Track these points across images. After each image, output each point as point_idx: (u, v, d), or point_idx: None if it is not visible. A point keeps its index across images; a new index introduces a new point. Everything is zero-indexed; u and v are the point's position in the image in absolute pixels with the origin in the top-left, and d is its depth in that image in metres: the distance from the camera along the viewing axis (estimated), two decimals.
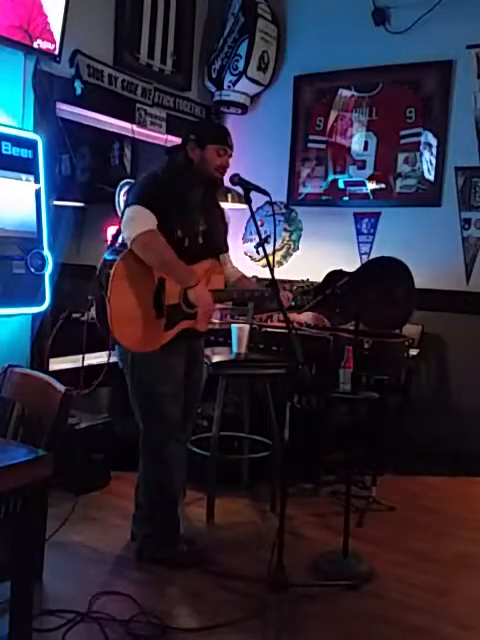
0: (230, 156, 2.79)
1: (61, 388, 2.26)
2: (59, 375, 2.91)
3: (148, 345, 2.66)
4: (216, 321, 4.10)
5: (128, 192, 2.76)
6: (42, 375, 2.54)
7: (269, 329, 3.76)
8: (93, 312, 2.77)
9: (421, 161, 4.37)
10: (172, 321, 2.69)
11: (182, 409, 2.80)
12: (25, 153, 3.37)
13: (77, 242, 5.20)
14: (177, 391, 2.77)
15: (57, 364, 3.76)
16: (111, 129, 4.32)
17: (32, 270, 3.37)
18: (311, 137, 4.75)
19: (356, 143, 4.59)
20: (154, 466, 2.80)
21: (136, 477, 2.91)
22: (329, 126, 4.68)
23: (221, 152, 2.74)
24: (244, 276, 3.07)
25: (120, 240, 2.74)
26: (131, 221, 2.58)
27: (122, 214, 2.69)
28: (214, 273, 2.84)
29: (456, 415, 4.18)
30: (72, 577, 2.64)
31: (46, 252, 3.45)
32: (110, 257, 2.64)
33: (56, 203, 3.73)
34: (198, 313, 2.71)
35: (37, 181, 3.43)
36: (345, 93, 4.61)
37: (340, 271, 3.43)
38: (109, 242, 2.92)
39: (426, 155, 4.36)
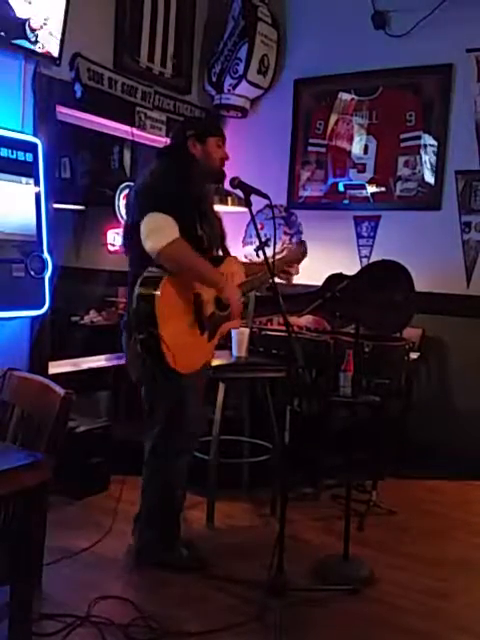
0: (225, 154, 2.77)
1: (61, 391, 2.26)
2: (59, 378, 2.91)
3: (201, 363, 2.67)
4: None
5: (138, 198, 2.61)
6: (41, 378, 2.54)
7: (269, 332, 3.75)
8: (131, 342, 2.62)
9: (421, 164, 4.37)
10: (213, 331, 2.69)
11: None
12: (25, 156, 3.38)
13: (77, 245, 5.20)
14: (200, 405, 2.76)
15: (57, 367, 3.75)
16: (111, 132, 4.31)
17: (32, 273, 3.37)
18: (311, 140, 4.76)
19: (356, 146, 4.59)
20: (164, 476, 2.75)
21: (142, 480, 2.86)
22: (329, 129, 4.69)
23: (220, 143, 2.73)
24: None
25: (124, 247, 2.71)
26: (153, 233, 2.47)
27: (128, 220, 2.63)
28: (238, 271, 2.83)
29: (457, 418, 4.17)
30: (71, 581, 2.63)
31: (46, 255, 3.45)
32: (142, 291, 2.48)
33: (56, 206, 3.73)
34: (231, 312, 2.69)
35: (37, 184, 3.43)
36: (345, 96, 4.62)
37: (340, 274, 3.43)
38: (121, 251, 2.84)
39: (426, 158, 4.36)
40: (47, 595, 2.49)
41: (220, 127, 2.79)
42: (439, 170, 4.30)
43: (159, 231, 2.46)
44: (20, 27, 3.25)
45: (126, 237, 2.73)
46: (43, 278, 3.43)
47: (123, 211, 4.14)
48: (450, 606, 2.59)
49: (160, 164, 2.74)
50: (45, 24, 3.36)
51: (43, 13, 3.33)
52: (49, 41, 3.41)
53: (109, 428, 3.61)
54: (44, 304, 3.44)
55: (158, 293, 2.44)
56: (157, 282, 2.46)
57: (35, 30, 3.32)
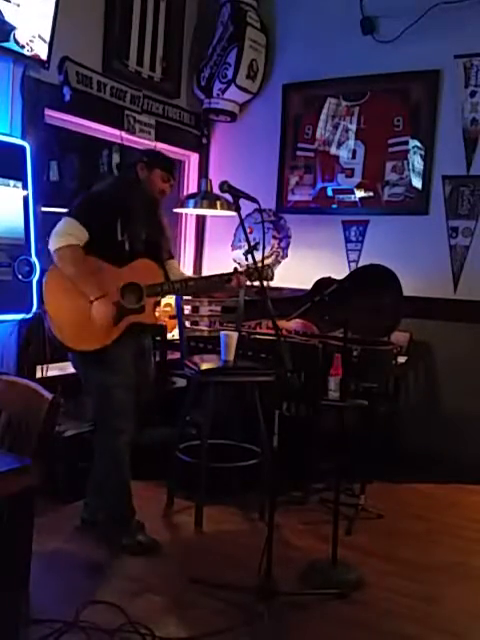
0: (172, 186, 3.11)
1: (48, 395, 2.25)
2: (46, 382, 2.91)
3: (91, 342, 2.84)
4: (205, 328, 4.10)
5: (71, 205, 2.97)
6: (29, 382, 2.53)
7: (258, 336, 3.75)
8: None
9: (409, 169, 4.40)
10: (117, 317, 2.86)
11: (134, 402, 2.95)
12: (13, 159, 3.36)
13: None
14: (129, 384, 2.93)
15: (44, 371, 3.73)
16: (100, 136, 4.31)
17: (19, 277, 3.36)
18: (300, 145, 4.77)
19: (344, 151, 4.61)
20: (109, 459, 2.93)
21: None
22: (318, 134, 4.71)
23: (165, 178, 3.03)
24: (190, 277, 3.33)
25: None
26: (56, 235, 2.81)
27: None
28: (149, 270, 2.97)
29: (444, 422, 4.19)
30: (59, 586, 2.61)
31: (34, 259, 3.44)
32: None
33: (44, 209, 3.72)
34: (93, 321, 2.84)
35: (25, 187, 3.42)
36: (333, 102, 4.63)
37: (329, 278, 3.44)
38: None
39: (414, 164, 4.39)
40: (34, 600, 2.47)
41: (170, 166, 3.08)
42: (426, 175, 4.33)
43: (61, 234, 2.81)
44: (8, 31, 3.23)
45: None
46: (31, 282, 3.42)
47: None
48: (439, 610, 2.60)
49: (108, 181, 3.14)
50: (34, 27, 3.35)
51: (32, 16, 3.32)
52: (38, 44, 3.40)
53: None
54: (32, 308, 3.43)
55: (48, 273, 2.87)
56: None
57: (24, 34, 3.30)
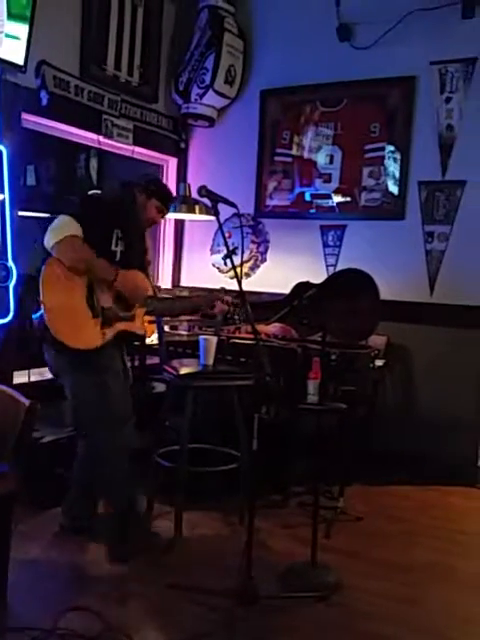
0: (163, 217, 3.19)
1: (25, 401, 2.23)
2: (24, 388, 2.88)
3: (88, 342, 2.82)
4: (184, 333, 4.10)
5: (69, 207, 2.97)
6: (6, 388, 2.51)
7: (237, 340, 3.76)
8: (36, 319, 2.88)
9: (385, 175, 4.44)
10: (108, 321, 2.87)
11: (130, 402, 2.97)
12: None
13: (42, 254, 5.14)
14: (122, 387, 2.93)
15: (22, 377, 3.70)
16: (77, 140, 4.29)
17: None
18: (278, 150, 4.80)
19: (322, 157, 4.65)
20: (110, 456, 2.89)
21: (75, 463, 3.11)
22: (295, 140, 4.73)
23: (160, 210, 3.09)
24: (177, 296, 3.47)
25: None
26: (53, 230, 2.77)
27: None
28: (140, 282, 3.01)
29: (422, 424, 4.23)
30: (37, 593, 2.59)
31: (10, 263, 3.41)
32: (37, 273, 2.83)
33: (21, 214, 3.69)
34: (130, 294, 2.88)
35: (1, 192, 3.40)
36: (311, 107, 4.67)
37: (307, 283, 3.46)
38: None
39: (390, 169, 4.43)
40: (12, 608, 2.45)
41: (168, 200, 3.14)
42: (403, 181, 4.38)
43: (58, 229, 2.77)
44: None
45: None
46: (8, 287, 3.39)
47: None
48: (418, 611, 2.62)
49: (108, 192, 3.22)
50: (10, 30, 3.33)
51: (5, 19, 3.30)
52: (14, 48, 3.38)
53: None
54: (8, 313, 3.40)
55: (46, 265, 2.76)
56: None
57: None
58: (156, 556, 2.93)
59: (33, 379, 3.73)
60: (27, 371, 3.78)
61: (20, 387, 3.21)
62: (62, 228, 2.76)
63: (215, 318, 3.44)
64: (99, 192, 3.12)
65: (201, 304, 3.20)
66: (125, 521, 2.94)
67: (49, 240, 2.75)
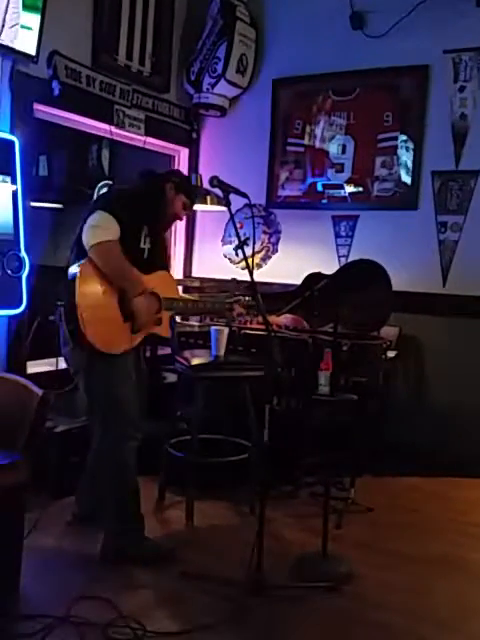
0: (187, 214, 3.17)
1: (38, 391, 2.25)
2: (37, 378, 2.90)
3: (118, 346, 2.78)
4: (195, 324, 4.10)
5: (99, 200, 2.94)
6: (19, 378, 2.53)
7: (248, 331, 3.76)
8: (58, 316, 2.83)
9: (398, 165, 4.41)
10: (138, 326, 2.82)
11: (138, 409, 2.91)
12: (2, 154, 3.34)
13: (54, 244, 5.16)
14: (133, 391, 2.88)
15: (35, 367, 3.73)
16: (89, 130, 4.29)
17: (9, 272, 3.35)
18: (290, 140, 4.77)
19: (334, 146, 4.62)
20: (118, 466, 2.83)
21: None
22: (308, 129, 4.71)
23: (186, 206, 3.04)
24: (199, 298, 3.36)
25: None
26: (93, 228, 2.70)
27: (86, 218, 2.77)
28: (167, 283, 3.02)
29: (433, 416, 4.22)
30: (50, 582, 2.61)
31: (23, 254, 3.42)
32: (74, 262, 2.76)
33: (33, 204, 3.70)
34: (138, 320, 2.81)
35: (14, 182, 3.41)
36: (323, 97, 4.64)
37: (319, 274, 3.45)
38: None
39: (403, 159, 4.40)
40: (25, 596, 2.48)
41: (195, 196, 3.13)
42: (416, 170, 4.35)
43: (100, 228, 2.70)
44: None
45: (77, 233, 2.88)
46: (20, 277, 3.41)
47: None
48: (428, 602, 2.62)
49: (137, 185, 3.04)
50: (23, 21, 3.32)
51: (20, 10, 3.30)
52: (26, 38, 3.38)
53: (87, 428, 3.59)
54: (21, 303, 3.42)
55: (83, 265, 2.69)
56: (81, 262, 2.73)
57: (12, 27, 3.28)
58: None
59: (46, 369, 3.76)
60: (40, 361, 3.82)
61: (33, 377, 3.23)
62: (103, 229, 2.69)
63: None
64: (126, 186, 3.04)
65: (220, 309, 3.21)
66: (117, 541, 2.83)
67: (89, 239, 2.69)
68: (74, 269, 2.72)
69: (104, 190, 4.29)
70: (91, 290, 2.70)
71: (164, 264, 3.12)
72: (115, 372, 2.78)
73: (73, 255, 2.83)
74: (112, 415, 2.79)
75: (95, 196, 4.25)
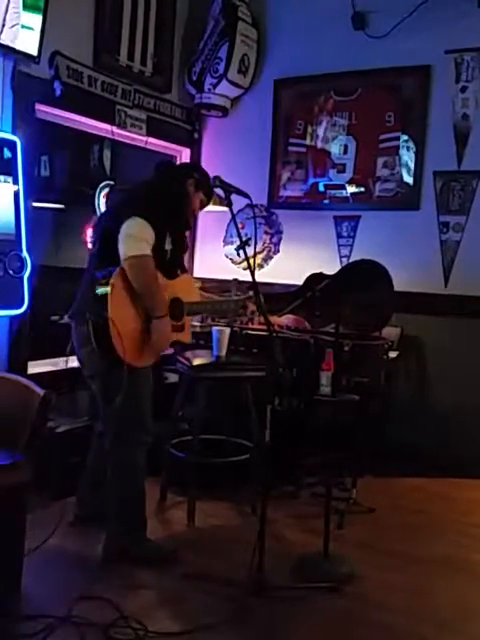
0: (202, 209, 3.07)
1: (40, 391, 2.25)
2: (38, 378, 2.90)
3: (147, 359, 2.78)
4: (197, 324, 4.10)
5: (128, 201, 2.86)
6: (20, 378, 2.53)
7: (249, 332, 3.76)
8: (83, 329, 2.72)
9: (400, 165, 4.41)
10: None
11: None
12: (3, 154, 3.34)
13: (56, 244, 5.16)
14: (151, 400, 2.87)
15: (36, 367, 3.73)
16: (91, 131, 4.29)
17: (10, 272, 3.34)
18: (291, 140, 4.77)
19: (336, 147, 4.62)
20: (130, 469, 2.82)
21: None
22: (309, 130, 4.70)
23: (203, 203, 3.00)
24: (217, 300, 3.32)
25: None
26: (131, 239, 2.62)
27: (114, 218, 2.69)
28: (189, 288, 3.02)
29: (435, 416, 4.21)
30: (51, 582, 2.61)
31: (24, 254, 3.42)
32: (102, 275, 2.67)
33: (35, 205, 3.70)
34: (154, 340, 2.74)
35: (15, 183, 3.41)
36: (325, 97, 4.63)
37: (320, 274, 3.45)
38: (91, 251, 2.92)
39: (405, 159, 4.39)
40: (26, 596, 2.48)
41: (212, 192, 3.05)
42: (417, 171, 4.34)
43: (138, 240, 2.63)
44: None
45: (100, 234, 2.83)
46: (22, 277, 3.41)
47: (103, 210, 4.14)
48: (430, 603, 2.62)
49: (157, 180, 2.96)
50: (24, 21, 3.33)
51: (21, 10, 3.30)
52: (28, 38, 3.38)
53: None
54: (23, 304, 3.42)
55: (113, 281, 2.63)
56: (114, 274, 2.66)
57: (13, 27, 3.28)
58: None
59: (48, 369, 3.76)
60: (42, 361, 3.82)
61: (35, 377, 3.23)
62: (140, 240, 2.63)
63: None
64: (148, 182, 2.96)
65: (235, 308, 3.17)
66: (119, 541, 2.83)
67: (126, 251, 2.61)
68: (104, 286, 2.64)
69: (106, 190, 4.28)
70: (123, 303, 2.65)
71: (183, 266, 3.07)
72: (139, 383, 2.76)
73: (96, 259, 2.77)
74: (129, 423, 2.77)
75: (96, 196, 4.24)
